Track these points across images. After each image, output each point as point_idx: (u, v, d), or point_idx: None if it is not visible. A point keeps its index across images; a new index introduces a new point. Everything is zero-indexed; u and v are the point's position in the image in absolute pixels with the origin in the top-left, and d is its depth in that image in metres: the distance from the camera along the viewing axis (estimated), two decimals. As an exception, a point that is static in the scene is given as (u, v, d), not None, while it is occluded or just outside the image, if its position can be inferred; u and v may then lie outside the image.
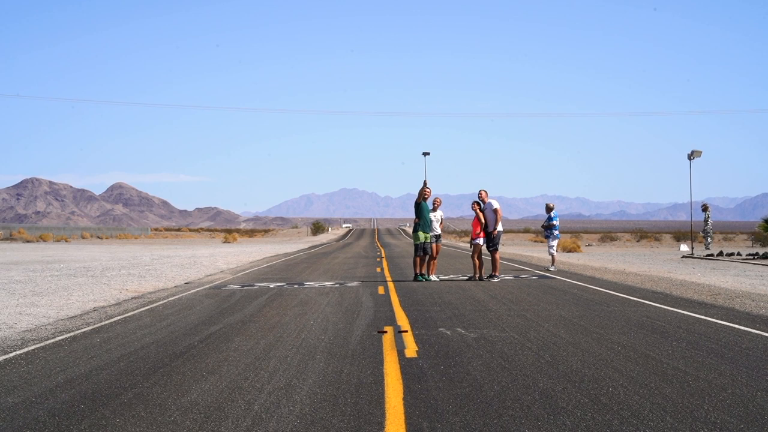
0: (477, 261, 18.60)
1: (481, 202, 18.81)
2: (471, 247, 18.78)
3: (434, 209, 18.97)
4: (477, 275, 18.52)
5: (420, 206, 18.55)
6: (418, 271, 18.54)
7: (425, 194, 18.72)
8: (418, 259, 18.59)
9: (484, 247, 18.78)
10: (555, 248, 23.30)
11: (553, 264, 23.03)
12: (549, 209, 23.73)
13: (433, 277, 18.67)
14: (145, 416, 5.82)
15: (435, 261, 18.99)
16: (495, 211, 18.57)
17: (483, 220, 18.60)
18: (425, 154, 21.56)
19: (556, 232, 23.37)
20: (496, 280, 18.24)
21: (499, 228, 18.70)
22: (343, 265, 28.16)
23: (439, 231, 18.89)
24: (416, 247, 18.55)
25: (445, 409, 5.86)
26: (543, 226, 24.04)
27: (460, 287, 16.57)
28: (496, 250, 18.68)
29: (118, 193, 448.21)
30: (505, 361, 7.71)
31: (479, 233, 18.60)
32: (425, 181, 18.95)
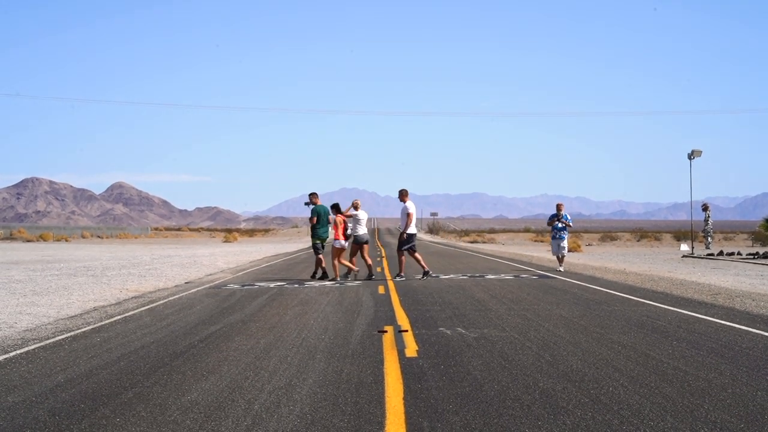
0: (337, 263, 19.22)
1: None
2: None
3: (356, 208, 19.64)
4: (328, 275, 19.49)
5: (313, 209, 19.44)
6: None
7: (314, 201, 19.52)
8: (320, 259, 19.86)
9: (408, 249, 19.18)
10: (566, 248, 23.21)
11: (561, 264, 22.96)
12: (559, 209, 23.47)
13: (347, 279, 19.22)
14: (145, 415, 5.82)
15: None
16: (408, 215, 19.04)
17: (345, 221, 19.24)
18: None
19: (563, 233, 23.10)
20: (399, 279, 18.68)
21: (411, 230, 19.11)
22: (343, 264, 28.08)
23: (366, 231, 19.67)
24: (315, 247, 19.81)
25: (446, 408, 5.86)
26: (558, 227, 23.51)
27: (461, 287, 16.57)
28: (414, 251, 19.29)
29: (118, 193, 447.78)
30: (506, 360, 7.72)
31: (344, 234, 19.17)
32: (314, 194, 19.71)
